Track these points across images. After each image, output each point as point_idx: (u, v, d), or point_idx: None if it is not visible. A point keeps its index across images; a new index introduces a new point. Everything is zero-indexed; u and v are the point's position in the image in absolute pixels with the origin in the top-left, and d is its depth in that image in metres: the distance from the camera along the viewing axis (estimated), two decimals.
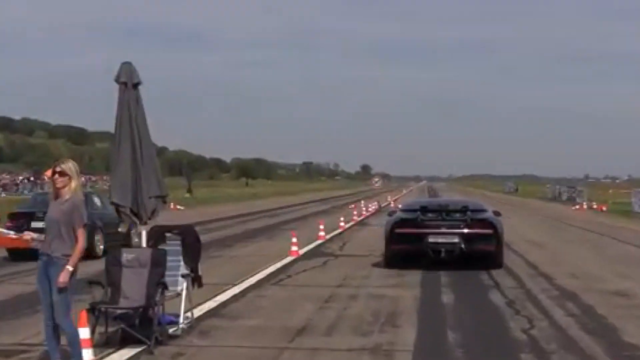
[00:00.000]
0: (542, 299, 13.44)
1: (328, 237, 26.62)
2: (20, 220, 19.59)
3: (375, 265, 18.63)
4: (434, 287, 14.96)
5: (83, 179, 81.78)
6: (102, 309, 9.33)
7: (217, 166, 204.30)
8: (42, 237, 8.40)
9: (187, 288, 10.41)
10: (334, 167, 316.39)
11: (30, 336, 10.18)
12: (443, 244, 17.57)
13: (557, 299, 13.44)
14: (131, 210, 10.15)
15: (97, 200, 21.28)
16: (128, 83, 10.06)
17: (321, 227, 26.34)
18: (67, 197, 8.20)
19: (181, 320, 10.29)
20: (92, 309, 9.14)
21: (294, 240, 20.85)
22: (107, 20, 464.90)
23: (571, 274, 16.97)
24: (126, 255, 9.80)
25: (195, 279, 10.61)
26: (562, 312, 12.18)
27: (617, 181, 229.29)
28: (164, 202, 10.56)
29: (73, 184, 8.23)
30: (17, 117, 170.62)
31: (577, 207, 56.42)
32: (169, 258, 9.98)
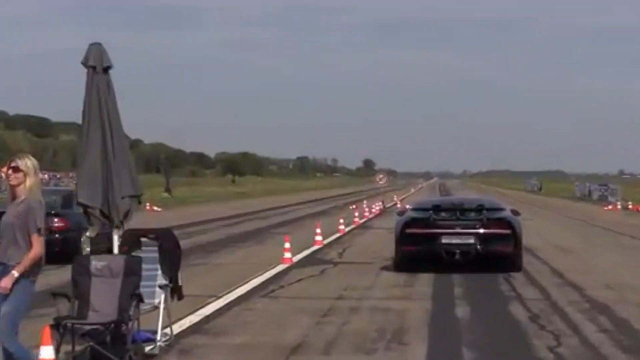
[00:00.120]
0: (570, 312, 13.45)
1: (326, 242, 26.62)
2: None
3: (380, 273, 18.65)
4: (447, 299, 14.97)
5: (46, 176, 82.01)
6: (68, 325, 9.29)
7: (200, 161, 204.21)
8: None
9: (166, 300, 10.40)
10: (333, 163, 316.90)
11: None
12: (457, 245, 18.17)
13: (588, 312, 13.45)
14: (101, 212, 10.13)
15: None
16: (97, 67, 10.05)
17: (318, 230, 26.34)
18: (22, 197, 8.18)
19: (159, 337, 10.28)
20: (56, 325, 9.11)
21: (287, 245, 20.85)
22: None
23: (603, 283, 16.99)
24: (95, 263, 9.78)
25: (174, 290, 10.61)
26: (593, 327, 12.19)
27: None
28: (139, 203, 10.55)
29: (28, 181, 8.18)
30: None
31: (610, 207, 56.53)
32: (144, 266, 9.96)
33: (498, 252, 18.38)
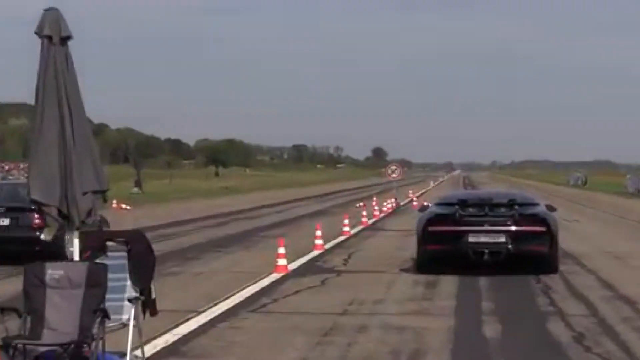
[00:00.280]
0: (622, 332, 13.46)
1: (328, 246, 26.71)
2: None
3: (393, 284, 18.68)
4: (473, 315, 14.99)
5: None
6: (19, 346, 9.30)
7: (176, 150, 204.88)
8: None
9: (136, 317, 10.40)
10: (336, 152, 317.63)
11: None
12: (486, 244, 18.91)
13: None
14: (58, 211, 10.12)
15: None
16: (54, 37, 10.02)
17: (318, 233, 26.37)
18: None
19: None
20: (5, 346, 9.12)
21: (282, 250, 20.87)
22: None
23: None
24: (52, 272, 9.77)
25: (146, 304, 10.60)
26: None
27: None
28: (104, 200, 10.54)
29: None
30: None
31: None
32: (110, 276, 9.96)
33: (531, 252, 19.10)
